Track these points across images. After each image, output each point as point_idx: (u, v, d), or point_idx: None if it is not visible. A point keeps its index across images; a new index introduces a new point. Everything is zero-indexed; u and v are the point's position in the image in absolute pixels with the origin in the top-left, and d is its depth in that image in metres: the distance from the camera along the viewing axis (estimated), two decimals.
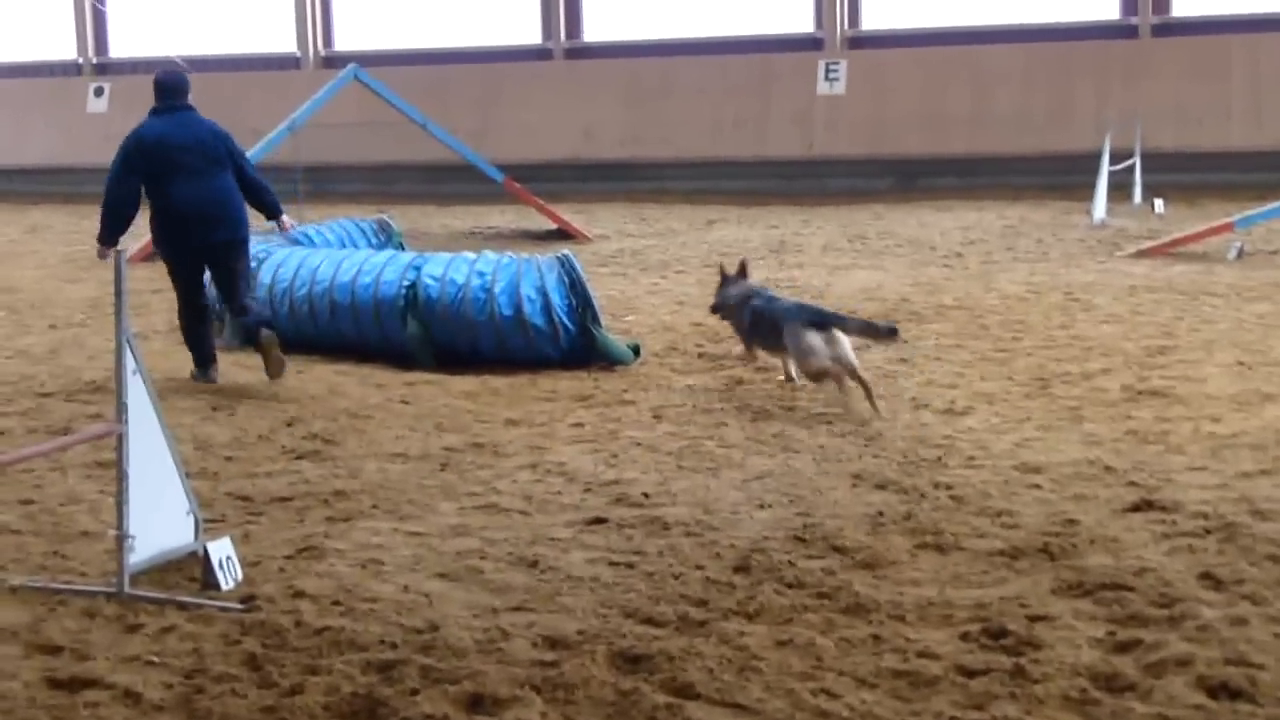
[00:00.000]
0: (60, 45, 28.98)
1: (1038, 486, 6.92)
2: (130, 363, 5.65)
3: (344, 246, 13.23)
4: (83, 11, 28.94)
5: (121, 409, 5.64)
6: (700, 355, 10.43)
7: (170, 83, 9.68)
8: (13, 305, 13.24)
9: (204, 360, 9.83)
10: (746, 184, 23.73)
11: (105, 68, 28.89)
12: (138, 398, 5.70)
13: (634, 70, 25.52)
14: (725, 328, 10.90)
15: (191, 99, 9.68)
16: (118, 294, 5.65)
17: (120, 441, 5.64)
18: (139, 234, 17.95)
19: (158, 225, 9.58)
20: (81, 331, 11.95)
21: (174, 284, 9.82)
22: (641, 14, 26.24)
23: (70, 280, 15.13)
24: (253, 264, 11.17)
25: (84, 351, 11.04)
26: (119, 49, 29.14)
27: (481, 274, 10.24)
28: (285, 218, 10.20)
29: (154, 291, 14.02)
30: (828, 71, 24.51)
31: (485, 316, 10.10)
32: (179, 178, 9.38)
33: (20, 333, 11.93)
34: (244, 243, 9.71)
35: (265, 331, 9.35)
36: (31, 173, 27.09)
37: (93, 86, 27.60)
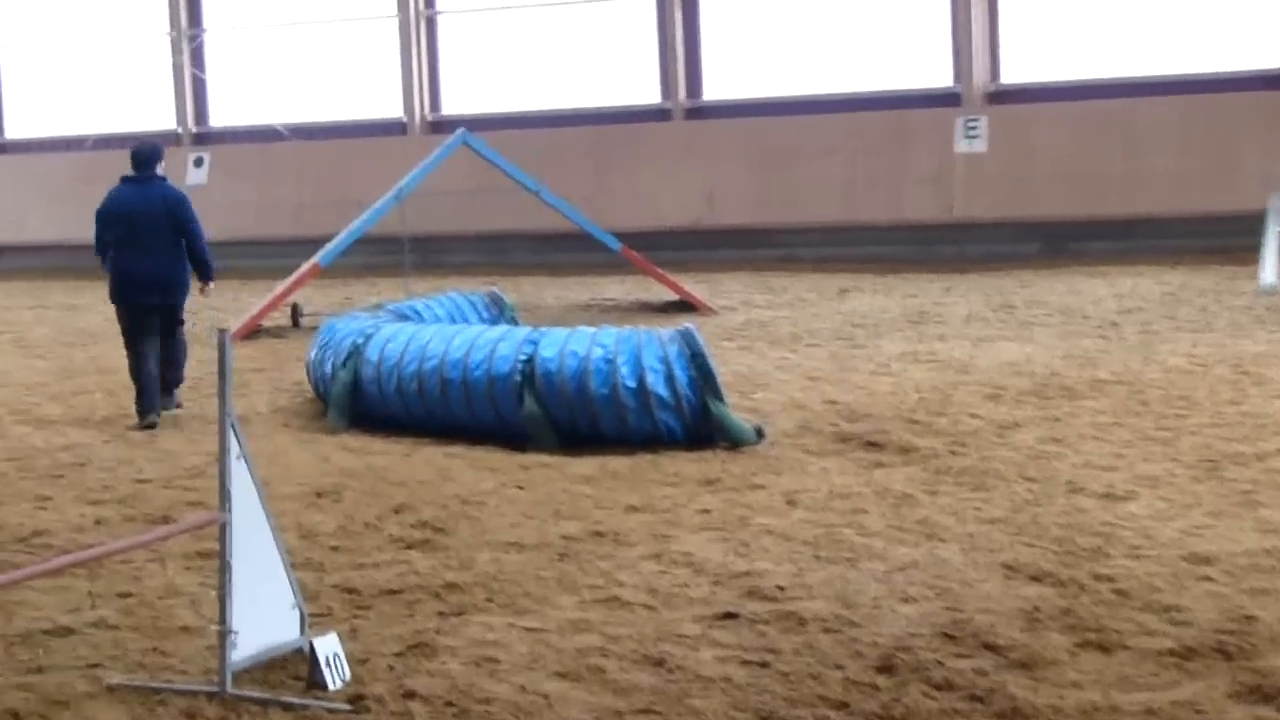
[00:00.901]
0: (159, 115, 29.66)
1: (1210, 579, 6.77)
2: (234, 447, 5.72)
3: (453, 321, 13.35)
4: (181, 80, 29.63)
5: (225, 496, 5.70)
6: (836, 435, 10.36)
7: (139, 154, 11.92)
8: (110, 388, 13.48)
9: (144, 405, 11.65)
10: (881, 250, 23.64)
11: (205, 137, 29.54)
12: (241, 484, 5.76)
13: (758, 130, 25.60)
14: (864, 404, 10.82)
15: (161, 169, 11.99)
16: (221, 375, 5.73)
17: (223, 531, 5.70)
18: (241, 309, 18.25)
19: (110, 279, 11.89)
20: (180, 414, 12.14)
21: (120, 328, 12.03)
22: (766, 70, 26.32)
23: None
24: (359, 339, 11.40)
25: (182, 435, 11.22)
26: (219, 118, 29.79)
27: (604, 346, 10.30)
28: (211, 285, 12.13)
29: (255, 370, 14.25)
30: (967, 128, 24.42)
31: (608, 389, 10.14)
32: (130, 244, 11.62)
33: (118, 416, 12.14)
34: (175, 306, 11.93)
35: (160, 413, 11.66)
36: None
37: (192, 157, 28.21)
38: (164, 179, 12.05)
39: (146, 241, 11.62)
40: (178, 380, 12.22)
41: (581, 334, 10.58)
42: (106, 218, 11.80)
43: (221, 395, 5.70)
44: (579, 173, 25.09)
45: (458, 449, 10.29)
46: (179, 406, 12.17)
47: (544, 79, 27.42)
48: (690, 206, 25.18)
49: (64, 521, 8.61)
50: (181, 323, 12.15)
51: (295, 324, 17.91)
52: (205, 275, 12.01)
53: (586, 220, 19.63)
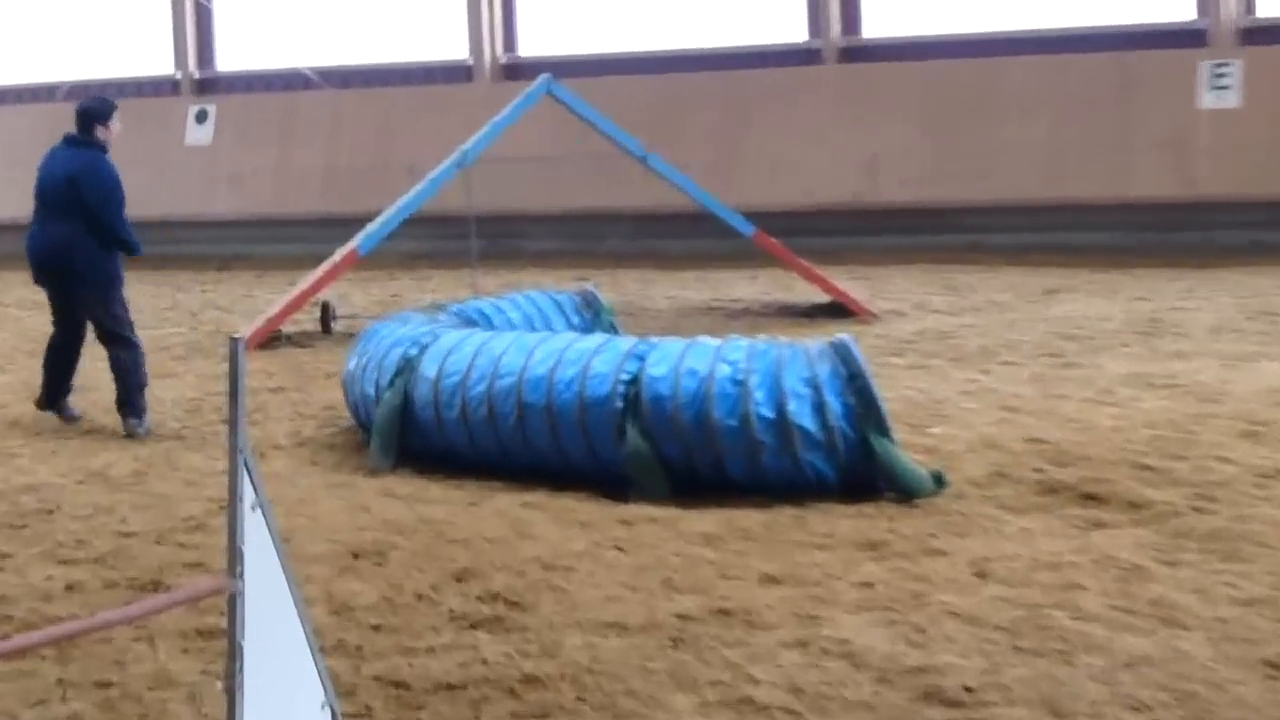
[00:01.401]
0: (152, 57, 29.98)
1: None
2: (247, 492, 5.72)
3: (534, 327, 13.40)
4: (181, 11, 29.91)
5: (235, 557, 5.70)
6: (1041, 485, 10.29)
7: (78, 112, 13.16)
8: (84, 409, 13.62)
9: (50, 396, 13.20)
10: (1100, 238, 23.52)
11: (210, 84, 29.87)
12: (256, 541, 5.76)
13: (936, 78, 25.55)
14: (1079, 444, 10.72)
15: (107, 131, 12.96)
16: (232, 395, 5.72)
17: (232, 603, 5.70)
18: (255, 309, 18.43)
19: None
20: (176, 446, 12.24)
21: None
22: None
23: (161, 375, 15.50)
24: (413, 350, 11.44)
25: (179, 474, 11.31)
26: (228, 61, 30.08)
27: (732, 363, 10.28)
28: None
29: (273, 390, 14.38)
30: (1214, 76, 24.23)
31: (737, 420, 10.13)
32: (41, 213, 12.92)
33: (95, 447, 12.27)
34: (84, 286, 12.78)
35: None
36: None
37: (193, 110, 28.55)
38: (98, 147, 12.89)
39: (47, 213, 12.86)
40: (133, 404, 12.81)
41: (702, 347, 10.57)
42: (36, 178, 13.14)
43: (232, 423, 5.70)
44: (699, 133, 25.15)
45: (538, 496, 10.32)
46: (145, 431, 12.72)
47: (653, 10, 27.48)
48: (845, 178, 25.17)
49: (26, 586, 8.68)
50: (117, 320, 12.87)
51: (326, 329, 18.06)
52: (130, 251, 12.91)
53: (709, 196, 19.63)
